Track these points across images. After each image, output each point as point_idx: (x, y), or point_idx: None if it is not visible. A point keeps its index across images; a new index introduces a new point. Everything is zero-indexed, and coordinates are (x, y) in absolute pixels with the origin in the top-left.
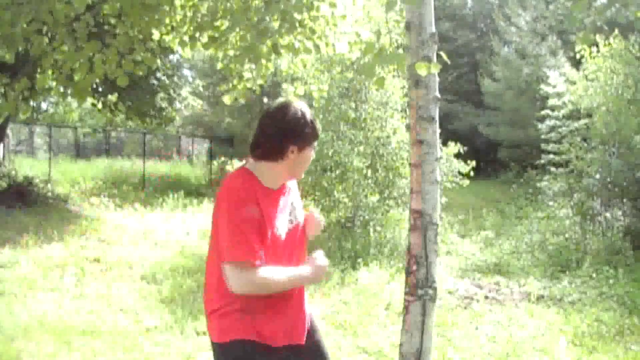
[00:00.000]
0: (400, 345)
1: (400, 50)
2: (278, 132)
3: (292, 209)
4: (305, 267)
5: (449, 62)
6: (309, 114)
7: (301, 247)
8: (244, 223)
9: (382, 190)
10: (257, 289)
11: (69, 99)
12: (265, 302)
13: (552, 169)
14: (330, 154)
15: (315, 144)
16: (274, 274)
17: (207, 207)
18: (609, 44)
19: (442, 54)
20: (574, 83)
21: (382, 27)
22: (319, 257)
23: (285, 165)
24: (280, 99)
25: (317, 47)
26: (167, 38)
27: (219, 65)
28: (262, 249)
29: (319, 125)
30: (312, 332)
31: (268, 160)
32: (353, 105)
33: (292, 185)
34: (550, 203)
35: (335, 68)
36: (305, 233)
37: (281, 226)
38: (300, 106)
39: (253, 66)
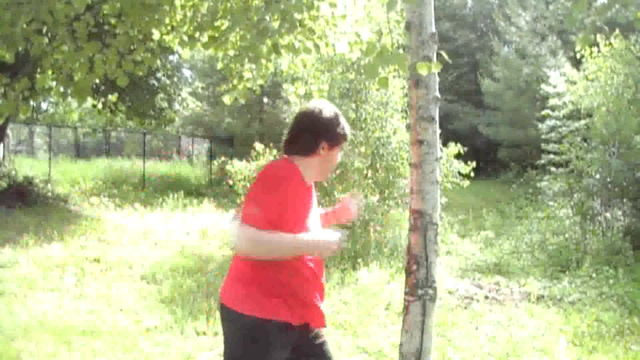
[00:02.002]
0: (400, 345)
1: (401, 51)
2: (313, 128)
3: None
4: (313, 235)
5: (450, 62)
6: (341, 117)
7: None
8: (271, 194)
9: (382, 190)
10: (257, 247)
11: (69, 99)
12: (298, 281)
13: (552, 169)
14: None
15: (343, 146)
16: (276, 235)
17: (207, 207)
18: (610, 44)
19: (443, 53)
20: (574, 83)
21: (383, 27)
22: (332, 232)
23: (316, 161)
24: (314, 101)
25: (317, 47)
26: (167, 38)
27: (219, 65)
28: (279, 220)
29: (348, 129)
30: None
31: (300, 154)
32: (353, 105)
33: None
34: (550, 203)
35: (337, 68)
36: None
37: (314, 218)
38: (334, 108)
39: (253, 66)
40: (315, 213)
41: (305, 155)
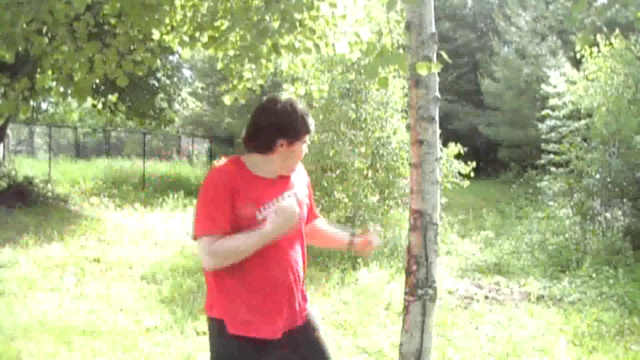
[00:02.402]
0: (400, 345)
1: (401, 51)
2: (267, 126)
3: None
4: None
5: (450, 62)
6: (299, 109)
7: (301, 239)
8: (209, 203)
9: (382, 190)
10: (223, 259)
11: (69, 99)
12: (251, 295)
13: (552, 169)
14: (330, 154)
15: (307, 138)
16: (233, 238)
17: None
18: (610, 43)
19: (443, 53)
20: (574, 83)
21: (383, 28)
22: (283, 201)
23: (277, 157)
24: (273, 94)
25: (317, 47)
26: (167, 38)
27: (219, 66)
28: (227, 223)
29: (310, 120)
30: (312, 330)
31: (259, 152)
32: (353, 105)
33: (300, 181)
34: (550, 203)
35: (337, 68)
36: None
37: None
38: (290, 101)
39: (253, 66)
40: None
41: (264, 154)
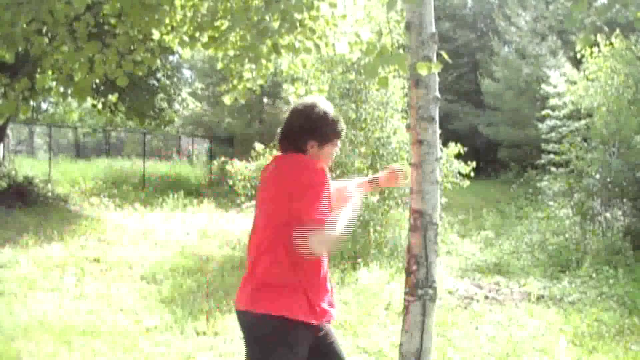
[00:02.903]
0: (400, 345)
1: (401, 51)
2: (301, 127)
3: None
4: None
5: (450, 62)
6: (331, 113)
7: None
8: (322, 195)
9: (382, 190)
10: (330, 245)
11: (69, 99)
12: (316, 281)
13: (552, 169)
14: None
15: (338, 141)
16: (339, 219)
17: (207, 207)
18: (610, 43)
19: (443, 53)
20: (574, 83)
21: (383, 27)
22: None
23: (310, 157)
24: (308, 97)
25: (317, 47)
26: (167, 38)
27: (219, 66)
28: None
29: (342, 125)
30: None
31: (293, 152)
32: (353, 105)
33: None
34: (550, 203)
35: (337, 69)
36: None
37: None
38: (324, 106)
39: (253, 66)
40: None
41: (297, 153)
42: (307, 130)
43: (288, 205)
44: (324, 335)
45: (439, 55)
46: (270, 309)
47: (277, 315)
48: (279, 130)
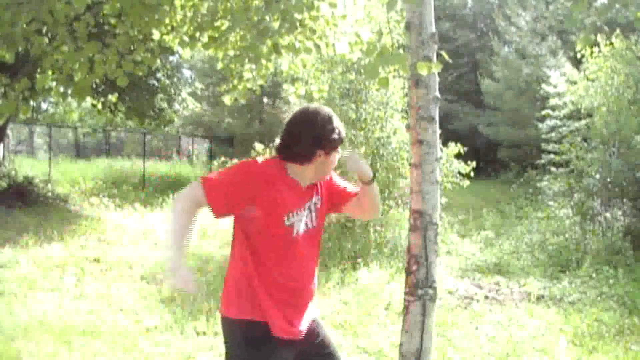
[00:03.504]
0: (400, 345)
1: (401, 51)
2: (307, 138)
3: (314, 213)
4: (177, 254)
5: (450, 62)
6: (335, 120)
7: (313, 249)
8: (232, 178)
9: (382, 190)
10: (170, 214)
11: (69, 99)
12: (277, 290)
13: (552, 169)
14: None
15: (338, 150)
16: (179, 223)
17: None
18: (610, 43)
19: (444, 53)
20: (574, 83)
21: (383, 27)
22: (185, 271)
23: (312, 167)
24: (308, 104)
25: (317, 47)
26: (167, 38)
27: (219, 66)
28: (226, 207)
29: (344, 131)
30: (317, 332)
31: (296, 162)
32: (353, 105)
33: (321, 186)
34: (550, 203)
35: (337, 69)
36: (318, 237)
37: (297, 220)
38: (327, 112)
39: (253, 66)
40: (304, 216)
41: (300, 164)
42: (314, 141)
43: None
44: (317, 345)
45: (439, 55)
46: (229, 312)
47: (234, 319)
48: (278, 137)
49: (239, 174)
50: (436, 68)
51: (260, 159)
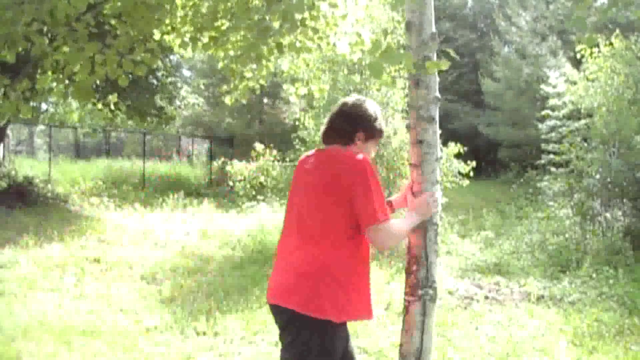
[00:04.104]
0: (400, 345)
1: (402, 51)
2: (352, 117)
3: None
4: (408, 212)
5: (457, 58)
6: (381, 114)
7: None
8: (379, 189)
9: (383, 190)
10: (395, 241)
11: (70, 99)
12: (362, 280)
13: (552, 169)
14: None
15: (379, 142)
16: (398, 224)
17: (207, 207)
18: (610, 43)
19: (450, 51)
20: (574, 83)
21: (387, 27)
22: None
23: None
24: (357, 95)
25: (319, 46)
26: (167, 38)
27: (220, 66)
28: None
29: (385, 128)
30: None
31: (338, 143)
32: None
33: None
34: (550, 203)
35: (342, 70)
36: None
37: None
38: (375, 105)
39: (254, 66)
40: None
41: (342, 145)
42: (358, 120)
43: (348, 199)
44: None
45: (446, 52)
46: (320, 311)
47: (325, 319)
48: (324, 122)
49: (375, 178)
50: (444, 66)
51: (360, 156)
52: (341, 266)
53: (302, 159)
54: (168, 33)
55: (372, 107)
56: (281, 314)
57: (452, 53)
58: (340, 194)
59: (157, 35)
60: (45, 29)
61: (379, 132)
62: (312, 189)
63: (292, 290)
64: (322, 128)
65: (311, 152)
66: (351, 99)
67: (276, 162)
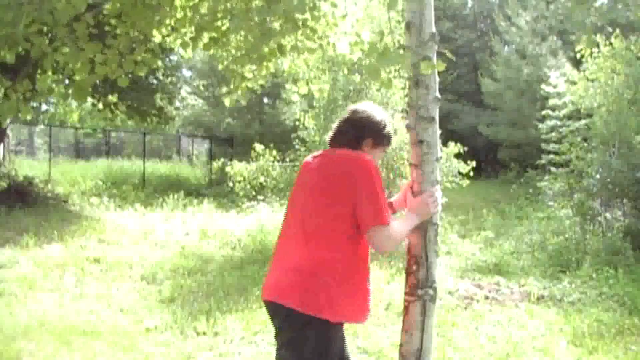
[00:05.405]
0: (400, 345)
1: (401, 51)
2: (361, 124)
3: None
4: (408, 213)
5: (454, 59)
6: (389, 122)
7: None
8: (382, 191)
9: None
10: (395, 244)
11: (70, 99)
12: (362, 280)
13: (553, 169)
14: None
15: (385, 149)
16: (398, 226)
17: (207, 207)
18: (610, 44)
19: (447, 51)
20: (574, 83)
21: (384, 27)
22: (425, 195)
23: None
24: (367, 102)
25: (320, 46)
26: (168, 39)
27: (220, 66)
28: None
29: (393, 135)
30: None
31: (348, 147)
32: None
33: None
34: (550, 203)
35: (343, 70)
36: None
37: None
38: (384, 113)
39: (254, 67)
40: None
41: (351, 149)
42: (366, 128)
43: (352, 201)
44: None
45: (442, 53)
46: (312, 309)
47: (321, 317)
48: (333, 127)
49: (379, 180)
50: (440, 67)
51: (367, 157)
52: (341, 266)
53: (307, 159)
54: (169, 34)
55: (380, 115)
56: (278, 312)
57: (449, 54)
58: (344, 194)
59: (157, 38)
60: (45, 29)
61: (387, 140)
62: (316, 187)
63: (291, 289)
64: (330, 133)
65: (318, 152)
66: (361, 106)
67: (276, 163)
